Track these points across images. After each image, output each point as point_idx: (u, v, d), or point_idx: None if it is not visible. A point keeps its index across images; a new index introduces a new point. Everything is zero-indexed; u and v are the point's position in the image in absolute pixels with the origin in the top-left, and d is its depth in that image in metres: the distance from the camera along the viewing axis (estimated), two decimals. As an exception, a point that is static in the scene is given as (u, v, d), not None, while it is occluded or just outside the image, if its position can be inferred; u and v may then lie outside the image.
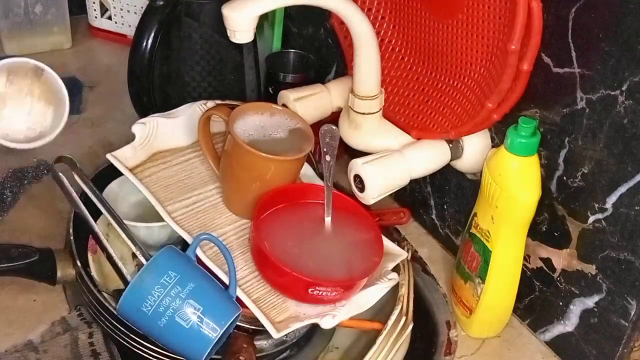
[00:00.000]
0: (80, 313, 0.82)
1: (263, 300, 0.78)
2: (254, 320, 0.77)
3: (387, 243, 0.86)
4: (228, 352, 0.75)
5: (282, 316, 0.77)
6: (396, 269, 0.84)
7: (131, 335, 0.75)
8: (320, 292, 0.76)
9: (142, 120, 0.91)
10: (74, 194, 0.83)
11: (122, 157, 0.87)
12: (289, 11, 1.20)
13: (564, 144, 0.77)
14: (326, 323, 0.76)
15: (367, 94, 0.87)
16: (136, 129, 0.90)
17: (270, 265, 0.77)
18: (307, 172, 0.92)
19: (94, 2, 1.36)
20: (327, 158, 0.85)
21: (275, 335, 0.74)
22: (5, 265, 0.82)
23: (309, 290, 0.76)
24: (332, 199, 0.85)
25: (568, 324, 0.82)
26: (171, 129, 0.92)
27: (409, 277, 0.84)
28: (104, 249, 0.81)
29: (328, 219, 0.84)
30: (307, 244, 0.81)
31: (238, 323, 0.77)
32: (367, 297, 0.79)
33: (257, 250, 0.79)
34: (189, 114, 0.93)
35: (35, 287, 0.85)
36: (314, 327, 0.81)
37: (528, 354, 0.86)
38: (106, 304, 0.76)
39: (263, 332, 0.77)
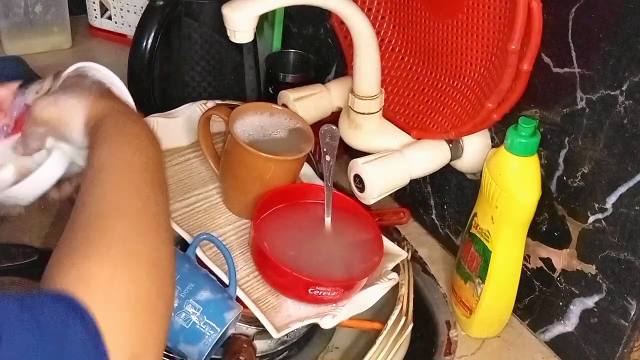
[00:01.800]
0: (80, 313, 0.82)
1: (263, 300, 0.78)
2: (254, 320, 0.77)
3: (387, 243, 0.86)
4: (228, 352, 0.75)
5: (282, 316, 0.77)
6: (396, 269, 0.84)
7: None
8: (320, 292, 0.76)
9: (142, 120, 0.91)
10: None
11: (122, 157, 0.87)
12: (289, 11, 1.20)
13: (564, 144, 0.77)
14: (326, 323, 0.76)
15: (367, 94, 0.87)
16: (136, 129, 0.90)
17: (270, 265, 0.77)
18: (307, 172, 0.92)
19: (94, 2, 1.36)
20: (327, 158, 0.85)
21: (275, 335, 0.74)
22: (5, 265, 0.82)
23: (309, 290, 0.76)
24: (332, 199, 0.85)
25: (568, 324, 0.82)
26: (171, 129, 0.92)
27: (409, 277, 0.84)
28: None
29: (328, 219, 0.84)
30: (307, 244, 0.81)
31: (238, 323, 0.77)
32: (367, 297, 0.79)
33: (257, 250, 0.79)
34: (189, 114, 0.93)
35: (35, 287, 0.84)
36: (314, 327, 0.80)
37: (528, 354, 0.86)
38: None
39: (263, 332, 0.77)
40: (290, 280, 0.76)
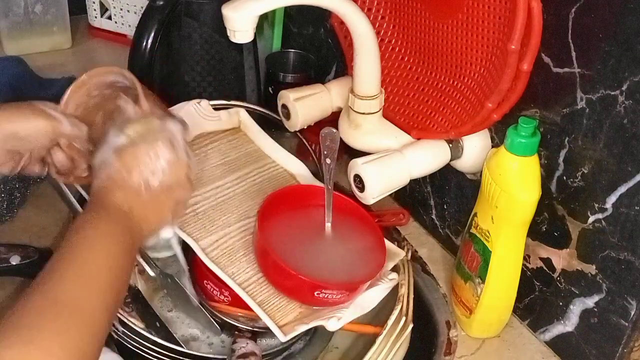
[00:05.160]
0: (80, 313, 0.82)
1: (268, 303, 0.77)
2: (257, 320, 0.76)
3: (386, 243, 0.86)
4: (233, 352, 0.75)
5: (287, 319, 0.77)
6: (396, 269, 0.84)
7: (131, 335, 0.75)
8: (326, 295, 0.76)
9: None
10: (72, 197, 0.83)
11: (122, 157, 0.87)
12: (289, 11, 1.20)
13: (564, 144, 0.77)
14: (332, 325, 0.76)
15: (367, 94, 0.87)
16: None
17: (276, 267, 0.76)
18: (306, 174, 0.92)
19: (94, 2, 1.36)
20: (328, 161, 0.85)
21: (283, 338, 0.73)
22: (5, 265, 0.82)
23: (315, 293, 0.75)
24: (332, 202, 0.84)
25: (568, 324, 0.82)
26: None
27: (409, 277, 0.84)
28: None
29: (328, 223, 0.84)
30: (312, 246, 0.81)
31: (241, 325, 0.77)
32: (370, 299, 0.79)
33: (262, 253, 0.79)
34: (182, 113, 0.93)
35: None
36: (314, 327, 0.80)
37: (528, 354, 0.86)
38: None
39: (264, 332, 0.77)
40: (297, 283, 0.76)
